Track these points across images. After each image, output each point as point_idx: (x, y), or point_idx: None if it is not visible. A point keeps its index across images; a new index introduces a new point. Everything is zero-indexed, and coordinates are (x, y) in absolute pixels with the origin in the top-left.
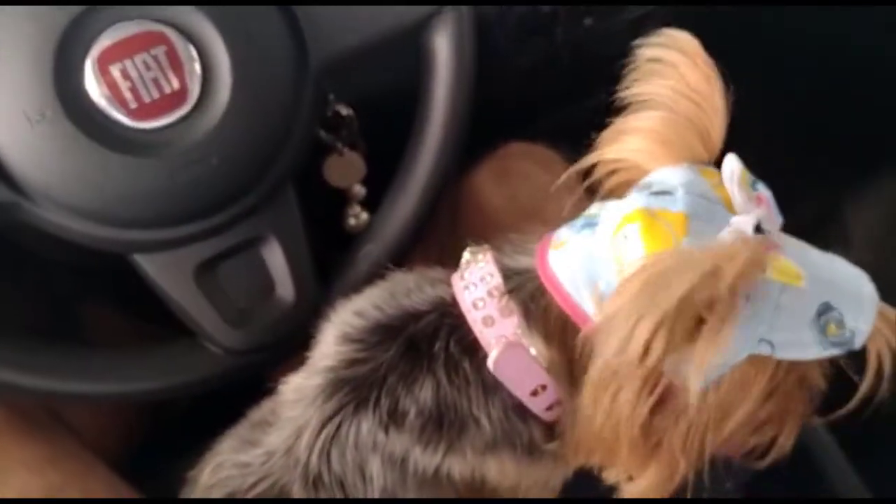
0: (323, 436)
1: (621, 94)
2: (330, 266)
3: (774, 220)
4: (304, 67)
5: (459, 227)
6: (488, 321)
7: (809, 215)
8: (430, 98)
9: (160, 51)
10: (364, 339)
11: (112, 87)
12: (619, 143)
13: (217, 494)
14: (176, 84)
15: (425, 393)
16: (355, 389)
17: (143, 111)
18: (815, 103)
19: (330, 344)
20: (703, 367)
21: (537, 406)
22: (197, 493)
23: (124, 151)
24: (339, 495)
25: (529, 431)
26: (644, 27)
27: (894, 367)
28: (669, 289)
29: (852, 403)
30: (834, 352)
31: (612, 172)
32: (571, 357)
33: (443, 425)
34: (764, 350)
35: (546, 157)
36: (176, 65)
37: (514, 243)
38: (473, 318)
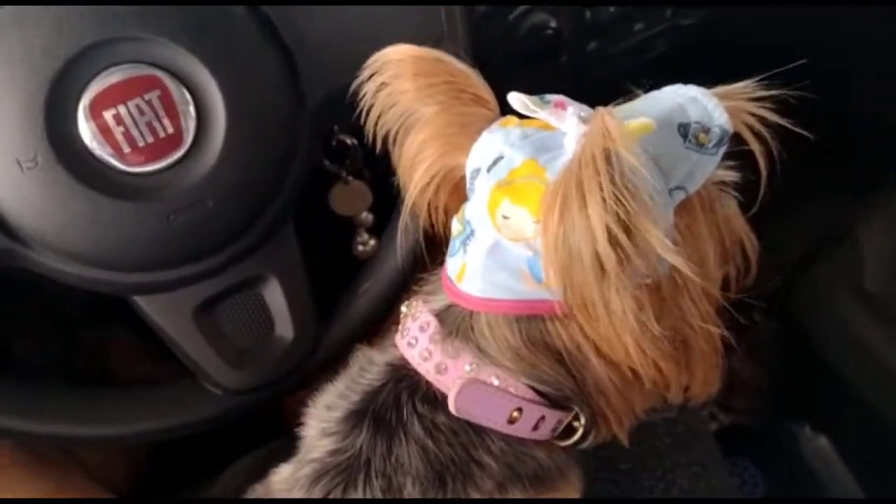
0: None
1: (375, 133)
2: (337, 296)
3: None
4: (300, 107)
5: None
6: (441, 368)
7: (820, 231)
8: None
9: (154, 95)
10: (340, 430)
11: (105, 132)
12: (420, 165)
13: None
14: (170, 128)
15: (414, 461)
16: (340, 474)
17: (136, 155)
18: (823, 116)
19: (313, 438)
20: (661, 237)
21: (521, 431)
22: None
23: (118, 196)
24: None
25: (533, 455)
26: (649, 49)
27: (765, 125)
28: (581, 186)
29: (764, 180)
30: (721, 151)
31: (437, 190)
32: (554, 348)
33: (446, 483)
34: (680, 196)
35: None
36: (170, 109)
37: (427, 289)
38: (426, 370)
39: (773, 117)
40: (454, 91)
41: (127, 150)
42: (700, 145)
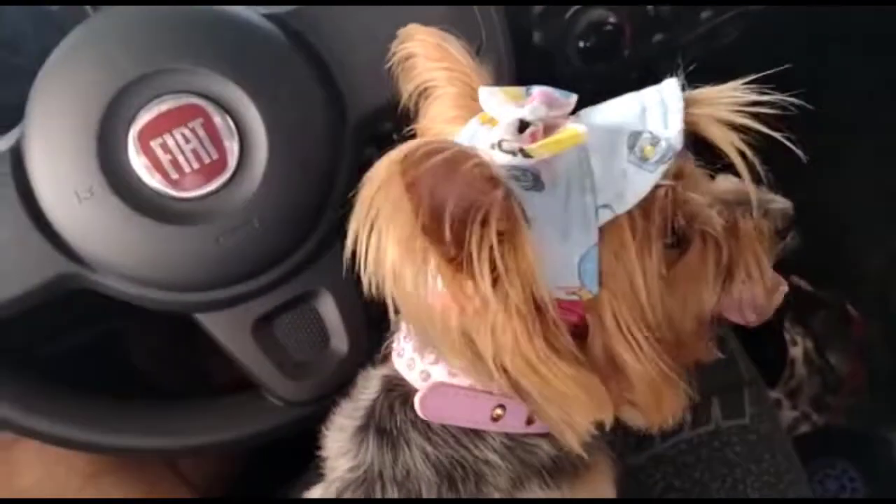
0: None
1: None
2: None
3: (555, 105)
4: (341, 125)
5: None
6: (424, 375)
7: None
8: None
9: (197, 123)
10: (351, 448)
11: (154, 161)
12: None
13: None
14: (214, 154)
15: (420, 466)
16: (360, 487)
17: (184, 181)
18: None
19: (332, 460)
20: (537, 266)
21: (513, 426)
22: None
23: (169, 221)
24: None
25: (540, 447)
26: (719, 36)
27: (744, 139)
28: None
29: (754, 202)
30: (662, 168)
31: None
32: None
33: (455, 483)
34: (606, 216)
35: None
36: (213, 135)
37: None
38: (413, 379)
39: (759, 128)
40: (451, 79)
41: (175, 176)
42: (644, 159)
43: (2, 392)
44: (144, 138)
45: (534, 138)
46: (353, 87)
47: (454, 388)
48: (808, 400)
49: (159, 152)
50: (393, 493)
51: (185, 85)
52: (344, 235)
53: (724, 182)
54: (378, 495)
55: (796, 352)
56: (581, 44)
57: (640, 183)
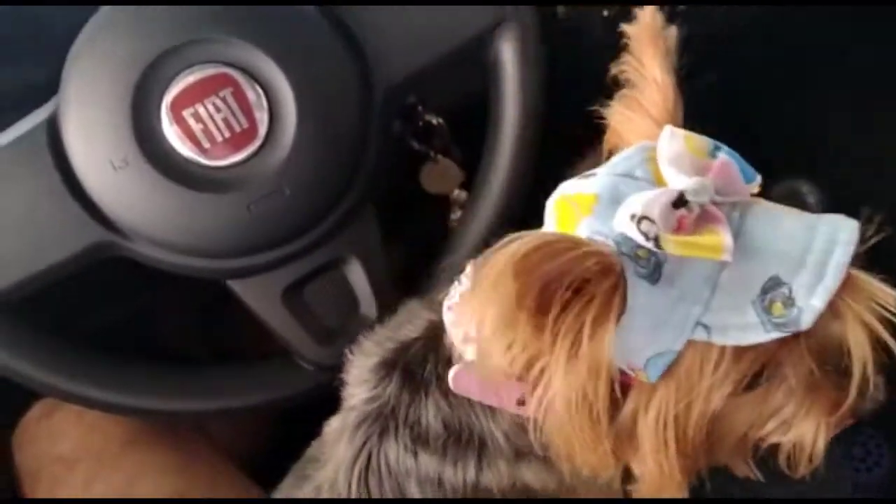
0: (357, 467)
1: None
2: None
3: (731, 187)
4: (368, 94)
5: None
6: (468, 338)
7: None
8: (500, 115)
9: (227, 92)
10: (370, 378)
11: (186, 130)
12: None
13: None
14: (245, 122)
15: (431, 417)
16: (375, 421)
17: (215, 150)
18: None
19: (351, 386)
20: (607, 358)
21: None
22: None
23: (201, 189)
24: None
25: None
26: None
27: (877, 357)
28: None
29: (849, 403)
30: (776, 334)
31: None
32: None
33: (461, 442)
34: (700, 335)
35: None
36: (243, 104)
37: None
38: (455, 336)
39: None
40: (642, 89)
41: (207, 145)
42: (767, 311)
43: (43, 356)
44: (177, 108)
45: (681, 225)
46: (381, 58)
47: None
48: None
49: (191, 122)
50: (404, 434)
51: (215, 55)
52: (370, 204)
53: (853, 333)
54: (392, 432)
55: None
56: (605, 13)
57: (748, 332)
